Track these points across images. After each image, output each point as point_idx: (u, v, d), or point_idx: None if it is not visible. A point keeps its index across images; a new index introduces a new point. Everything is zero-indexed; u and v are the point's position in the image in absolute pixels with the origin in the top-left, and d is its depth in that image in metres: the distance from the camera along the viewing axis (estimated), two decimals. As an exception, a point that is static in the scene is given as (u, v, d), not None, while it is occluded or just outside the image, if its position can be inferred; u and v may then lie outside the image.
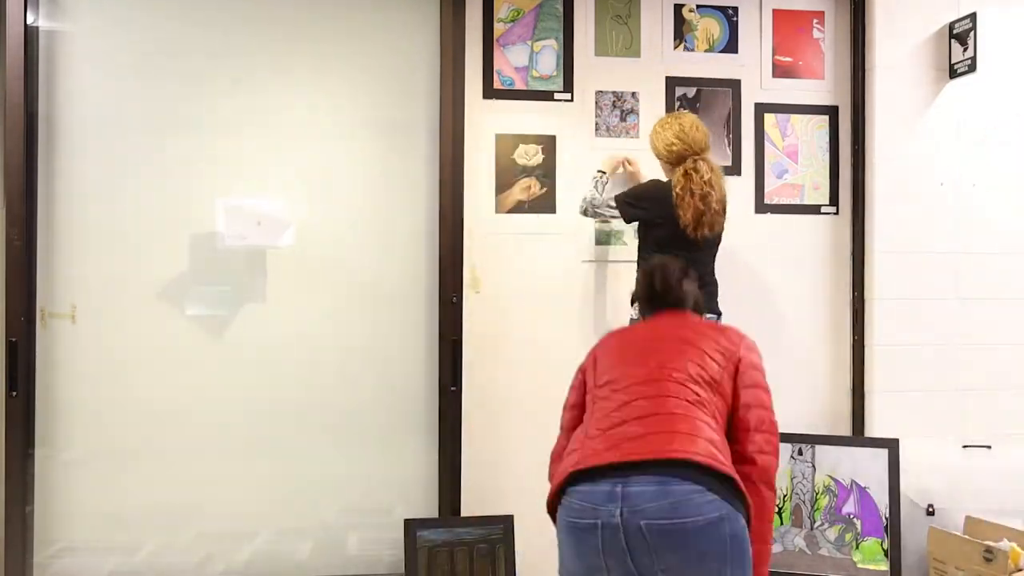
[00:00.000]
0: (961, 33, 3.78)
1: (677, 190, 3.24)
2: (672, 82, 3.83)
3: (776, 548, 3.64)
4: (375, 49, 3.68)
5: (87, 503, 3.48)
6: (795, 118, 3.91)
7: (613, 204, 3.43)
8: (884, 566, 3.55)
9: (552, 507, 2.27)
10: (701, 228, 3.22)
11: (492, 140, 3.70)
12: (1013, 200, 3.93)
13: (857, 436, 3.83)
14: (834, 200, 3.93)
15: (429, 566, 3.42)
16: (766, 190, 3.89)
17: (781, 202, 3.90)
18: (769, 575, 2.34)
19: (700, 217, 3.21)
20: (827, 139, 3.93)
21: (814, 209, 3.92)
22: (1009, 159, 3.93)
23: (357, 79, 3.68)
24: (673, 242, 3.22)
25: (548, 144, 3.73)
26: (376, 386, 3.66)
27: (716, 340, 2.35)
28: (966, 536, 3.44)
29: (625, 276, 3.75)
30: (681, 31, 3.85)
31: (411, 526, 3.43)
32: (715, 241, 3.36)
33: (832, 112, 3.93)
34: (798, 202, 3.91)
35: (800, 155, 3.92)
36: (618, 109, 3.79)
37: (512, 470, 3.66)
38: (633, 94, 3.80)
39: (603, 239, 3.77)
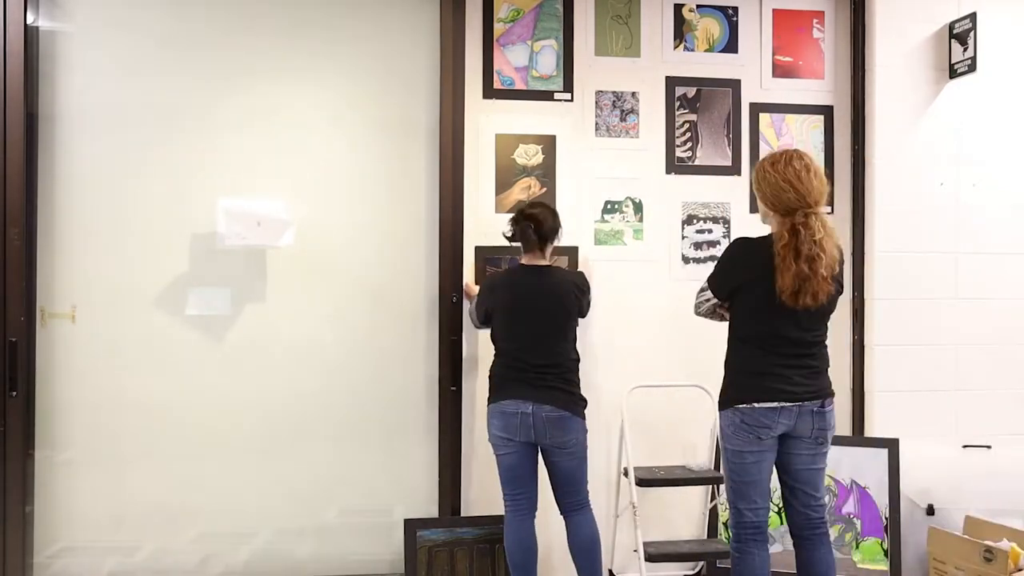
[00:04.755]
0: (961, 33, 3.78)
1: (778, 247, 2.71)
2: (672, 82, 3.83)
3: (776, 548, 3.64)
4: (375, 49, 3.68)
5: (87, 503, 3.48)
6: (790, 118, 3.91)
7: (704, 286, 2.96)
8: (884, 566, 3.55)
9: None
10: (803, 296, 2.68)
11: (492, 140, 3.70)
12: (1013, 200, 3.93)
13: (857, 436, 3.83)
14: (829, 200, 3.91)
15: (429, 566, 3.42)
16: (764, 190, 3.88)
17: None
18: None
19: (803, 283, 2.67)
20: (822, 139, 3.93)
21: (811, 209, 3.91)
22: (1009, 159, 3.94)
23: (357, 79, 3.68)
24: (770, 310, 2.74)
25: (548, 144, 3.73)
26: (376, 386, 3.66)
27: None
28: (966, 536, 3.44)
29: (624, 275, 3.75)
30: (681, 31, 3.85)
31: (411, 526, 3.44)
32: (825, 312, 2.82)
33: (827, 112, 3.93)
34: (796, 202, 3.91)
35: (797, 155, 3.91)
36: (618, 109, 3.79)
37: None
38: (633, 94, 3.80)
39: (602, 239, 3.77)
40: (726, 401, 2.86)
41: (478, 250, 3.65)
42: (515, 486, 3.18)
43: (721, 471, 3.04)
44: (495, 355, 3.27)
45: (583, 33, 3.77)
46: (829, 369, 2.87)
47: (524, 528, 3.16)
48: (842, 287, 2.86)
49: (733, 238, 3.24)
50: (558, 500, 3.22)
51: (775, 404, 2.75)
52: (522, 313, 3.19)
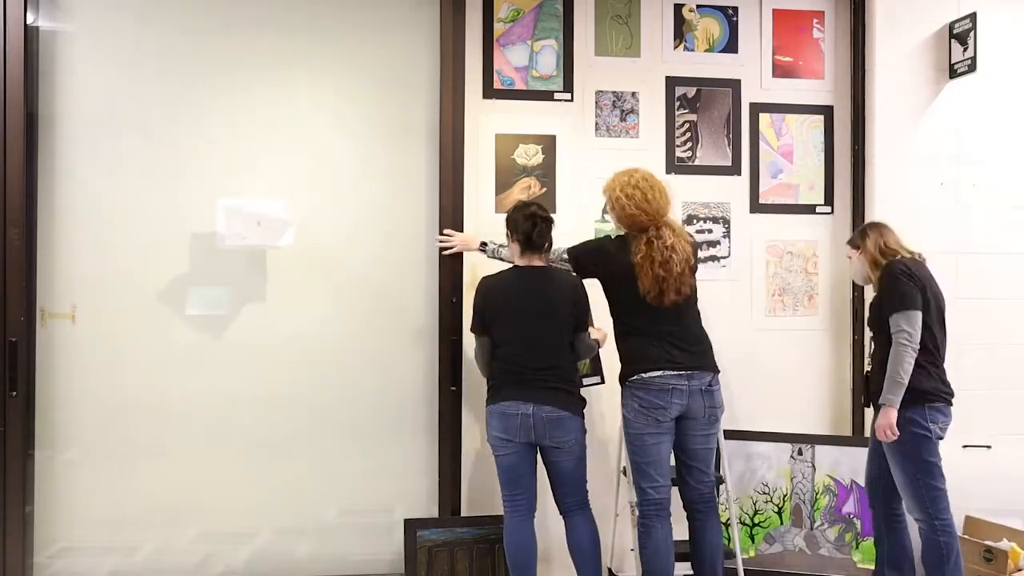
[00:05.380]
0: (961, 33, 3.78)
1: (637, 259, 3.05)
2: (672, 82, 3.83)
3: (776, 548, 3.65)
4: (375, 49, 3.68)
5: (87, 503, 3.48)
6: (790, 118, 3.91)
7: (565, 256, 3.27)
8: (884, 566, 3.55)
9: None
10: (667, 295, 3.03)
11: (492, 140, 3.70)
12: (1013, 200, 3.93)
13: (857, 436, 3.82)
14: (829, 200, 3.93)
15: (429, 566, 3.42)
16: (761, 190, 3.89)
17: (776, 202, 3.90)
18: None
19: (662, 284, 3.02)
20: (822, 139, 3.93)
21: (809, 209, 3.92)
22: (1009, 159, 3.94)
23: (357, 79, 3.68)
24: (642, 307, 3.06)
25: (548, 144, 3.74)
26: (376, 386, 3.66)
27: None
28: (966, 536, 3.44)
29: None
30: (681, 31, 3.85)
31: (411, 526, 3.44)
32: (692, 300, 3.16)
33: (827, 112, 3.93)
34: (793, 202, 3.91)
35: (795, 155, 3.92)
36: (618, 109, 3.79)
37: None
38: (633, 94, 3.80)
39: (603, 239, 3.76)
40: (622, 380, 3.12)
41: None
42: (514, 487, 3.17)
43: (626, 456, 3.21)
44: (493, 358, 3.24)
45: (583, 33, 3.77)
46: (715, 350, 3.17)
47: (523, 529, 3.16)
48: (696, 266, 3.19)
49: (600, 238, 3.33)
50: (557, 500, 3.22)
51: (659, 373, 3.02)
52: (521, 315, 3.15)
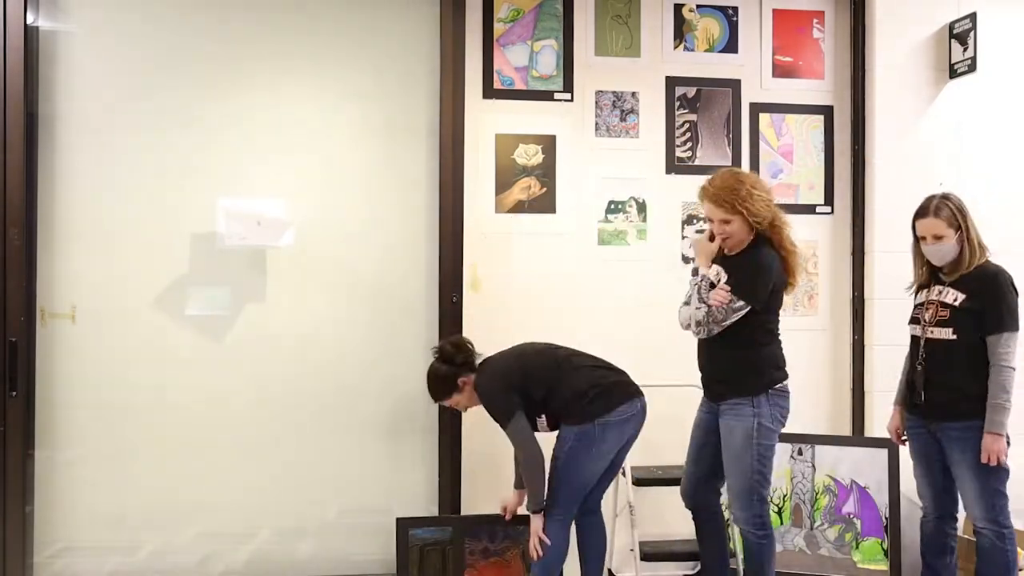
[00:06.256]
0: (961, 33, 3.78)
1: (792, 248, 3.03)
2: (672, 82, 3.83)
3: (776, 548, 3.64)
4: (375, 49, 3.68)
5: (87, 503, 3.48)
6: (790, 118, 3.91)
7: (738, 303, 2.91)
8: (884, 566, 3.55)
9: None
10: (795, 286, 3.12)
11: (492, 140, 3.70)
12: (1012, 200, 3.93)
13: (857, 436, 3.82)
14: (829, 200, 3.93)
15: (421, 564, 3.41)
16: (763, 190, 3.88)
17: (776, 202, 3.88)
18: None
19: (798, 276, 3.10)
20: (822, 139, 3.93)
21: (809, 209, 3.92)
22: (1009, 159, 3.93)
23: (357, 79, 3.68)
24: (779, 307, 3.07)
25: (548, 144, 3.74)
26: (376, 386, 3.66)
27: None
28: (966, 536, 3.44)
29: (626, 275, 3.75)
30: (681, 31, 3.85)
31: (403, 525, 3.42)
32: None
33: (827, 112, 3.93)
34: (793, 202, 3.91)
35: (795, 155, 3.92)
36: (618, 109, 3.79)
37: (512, 469, 3.65)
38: (633, 94, 3.80)
39: (605, 239, 3.77)
40: (765, 389, 2.97)
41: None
42: (581, 499, 3.08)
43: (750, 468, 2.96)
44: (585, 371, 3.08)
45: (583, 33, 3.77)
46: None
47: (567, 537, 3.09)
48: None
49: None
50: (588, 498, 3.13)
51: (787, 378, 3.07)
52: None
